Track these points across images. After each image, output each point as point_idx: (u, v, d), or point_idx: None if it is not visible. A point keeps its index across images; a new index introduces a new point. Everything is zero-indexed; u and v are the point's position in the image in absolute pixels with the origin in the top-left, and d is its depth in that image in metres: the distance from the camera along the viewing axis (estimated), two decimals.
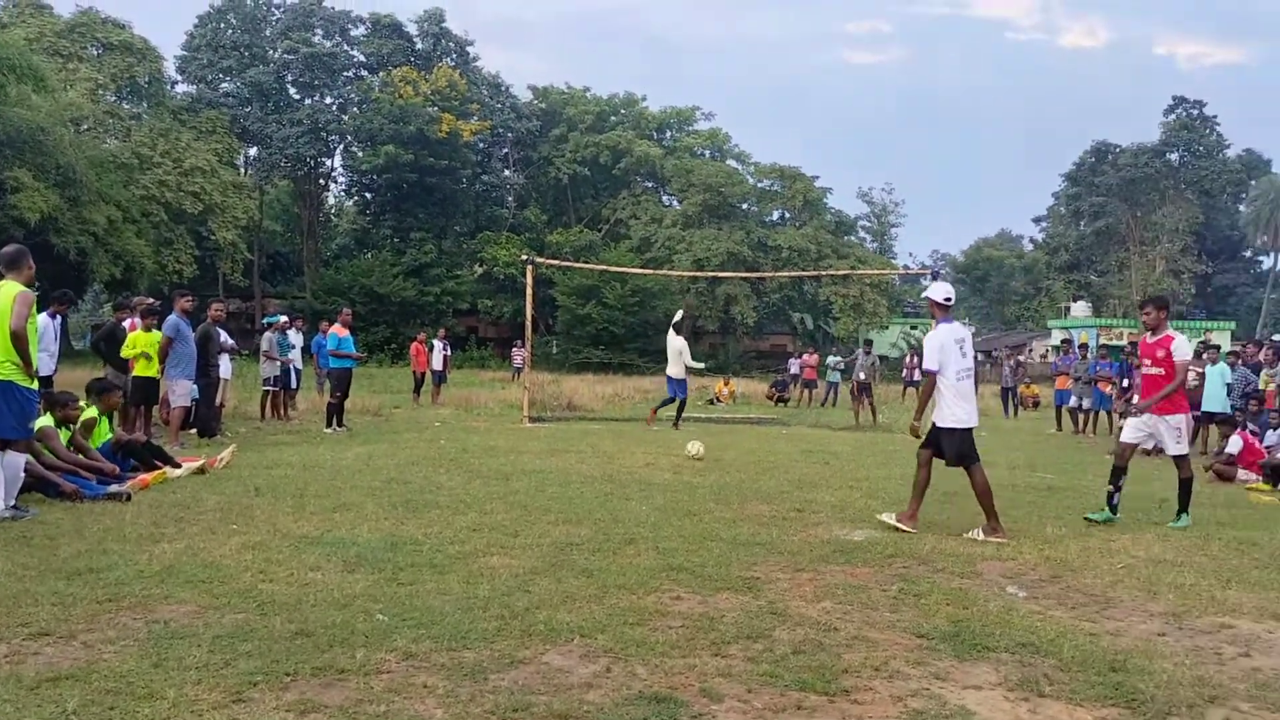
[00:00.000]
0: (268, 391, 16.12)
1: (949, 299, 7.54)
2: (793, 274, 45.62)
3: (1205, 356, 15.63)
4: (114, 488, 7.83)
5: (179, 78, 51.45)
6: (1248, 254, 67.10)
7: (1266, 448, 11.85)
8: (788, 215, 55.01)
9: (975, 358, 7.78)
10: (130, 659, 3.94)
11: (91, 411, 8.84)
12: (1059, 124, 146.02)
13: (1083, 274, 62.94)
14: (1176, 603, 5.43)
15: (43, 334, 9.44)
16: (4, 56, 29.49)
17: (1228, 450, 12.05)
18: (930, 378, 7.44)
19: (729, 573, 5.80)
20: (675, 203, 56.81)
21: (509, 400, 22.20)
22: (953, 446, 7.38)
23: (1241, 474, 11.55)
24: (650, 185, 58.81)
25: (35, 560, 5.58)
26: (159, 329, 11.97)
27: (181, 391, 12.13)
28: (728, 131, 60.41)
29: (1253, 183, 61.63)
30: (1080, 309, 57.38)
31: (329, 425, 14.75)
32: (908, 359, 33.20)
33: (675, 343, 16.98)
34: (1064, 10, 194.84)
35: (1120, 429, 9.19)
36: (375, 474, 9.71)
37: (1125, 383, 16.96)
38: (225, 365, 14.16)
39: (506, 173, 59.60)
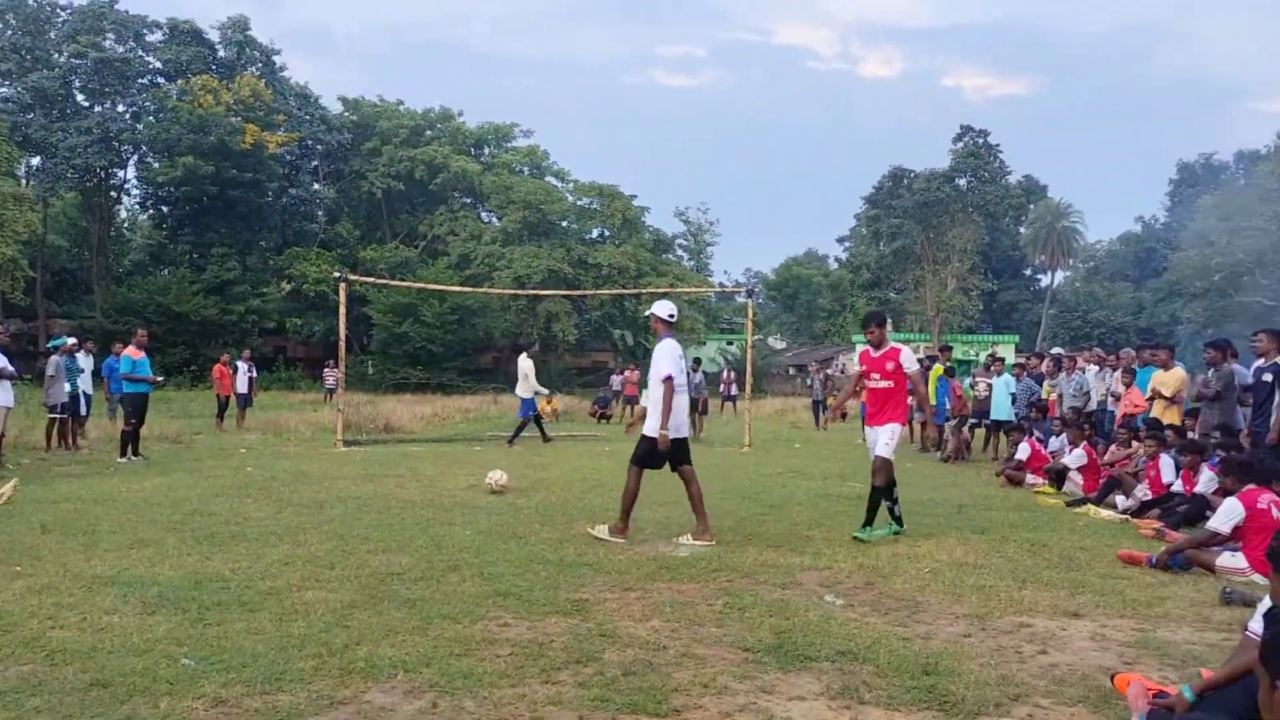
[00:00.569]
0: (54, 419, 15.06)
1: (673, 315, 7.95)
2: (613, 292, 46.11)
3: (992, 369, 16.82)
4: None
5: None
6: (1028, 272, 72.92)
7: (1051, 453, 12.81)
8: (607, 233, 55.58)
9: (689, 374, 8.08)
10: None
11: None
12: (860, 149, 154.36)
13: (883, 291, 66.42)
14: (979, 604, 5.75)
15: None
16: None
17: (1017, 456, 12.95)
18: (669, 383, 7.67)
19: (557, 596, 5.75)
20: (494, 219, 56.39)
21: (321, 423, 21.38)
22: (646, 449, 7.70)
23: (1030, 479, 12.43)
24: (468, 201, 58.16)
25: None
26: None
27: None
28: (546, 149, 60.58)
29: (1031, 206, 67.42)
30: None
31: (123, 454, 13.82)
32: (725, 374, 34.09)
33: (524, 365, 17.88)
34: (861, 41, 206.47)
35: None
36: (176, 506, 9.13)
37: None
38: (5, 392, 12.98)
39: (316, 186, 57.50)
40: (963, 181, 63.73)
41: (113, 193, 53.70)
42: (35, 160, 49.96)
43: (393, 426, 21.51)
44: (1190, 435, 10.65)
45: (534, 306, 49.49)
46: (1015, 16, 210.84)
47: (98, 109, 49.88)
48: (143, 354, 14.39)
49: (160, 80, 52.56)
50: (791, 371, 62.38)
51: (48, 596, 5.49)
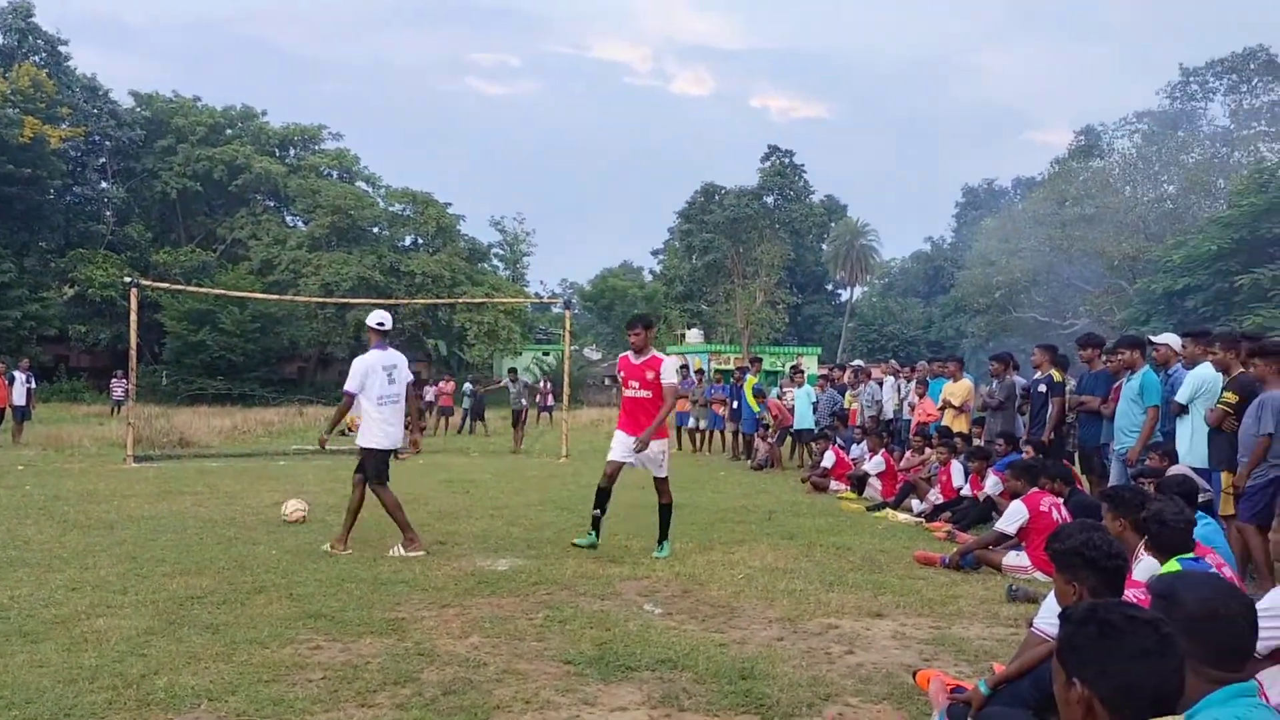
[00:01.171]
0: None
1: (382, 324, 8.06)
2: (427, 301, 45.20)
3: (794, 379, 17.65)
4: None
5: None
6: (829, 287, 76.58)
7: (853, 460, 13.47)
8: (421, 241, 54.47)
9: (405, 383, 8.02)
10: None
11: None
12: (673, 164, 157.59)
13: (695, 303, 68.17)
14: (791, 608, 5.98)
15: None
16: None
17: (822, 464, 13.55)
18: (348, 398, 7.76)
19: (371, 615, 5.58)
20: (301, 224, 54.20)
21: (109, 438, 19.91)
22: (371, 465, 7.75)
23: (834, 485, 13.02)
24: (272, 204, 55.62)
25: None
26: None
27: None
28: (356, 153, 58.70)
29: (833, 225, 71.20)
30: (694, 336, 62.04)
31: None
32: (541, 385, 34.03)
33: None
34: (674, 59, 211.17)
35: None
36: None
37: (735, 404, 18.49)
38: None
39: (104, 185, 53.51)
40: (770, 199, 66.37)
41: None
42: None
43: (188, 440, 20.30)
44: (977, 442, 11.44)
45: (343, 315, 47.89)
46: (816, 44, 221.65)
47: None
48: None
49: None
50: (607, 382, 62.93)
51: None
